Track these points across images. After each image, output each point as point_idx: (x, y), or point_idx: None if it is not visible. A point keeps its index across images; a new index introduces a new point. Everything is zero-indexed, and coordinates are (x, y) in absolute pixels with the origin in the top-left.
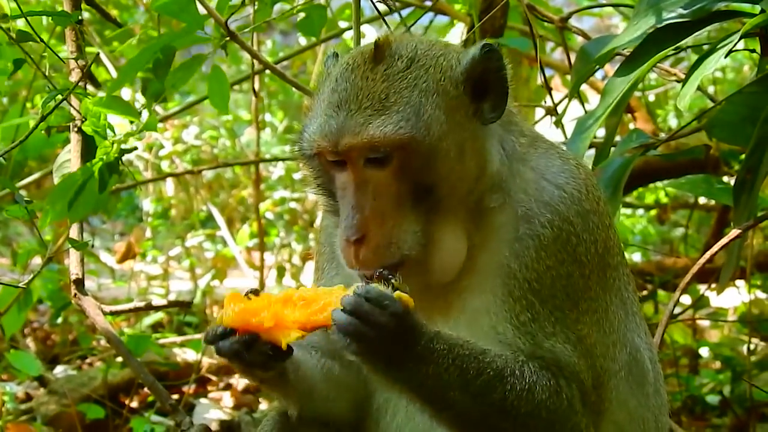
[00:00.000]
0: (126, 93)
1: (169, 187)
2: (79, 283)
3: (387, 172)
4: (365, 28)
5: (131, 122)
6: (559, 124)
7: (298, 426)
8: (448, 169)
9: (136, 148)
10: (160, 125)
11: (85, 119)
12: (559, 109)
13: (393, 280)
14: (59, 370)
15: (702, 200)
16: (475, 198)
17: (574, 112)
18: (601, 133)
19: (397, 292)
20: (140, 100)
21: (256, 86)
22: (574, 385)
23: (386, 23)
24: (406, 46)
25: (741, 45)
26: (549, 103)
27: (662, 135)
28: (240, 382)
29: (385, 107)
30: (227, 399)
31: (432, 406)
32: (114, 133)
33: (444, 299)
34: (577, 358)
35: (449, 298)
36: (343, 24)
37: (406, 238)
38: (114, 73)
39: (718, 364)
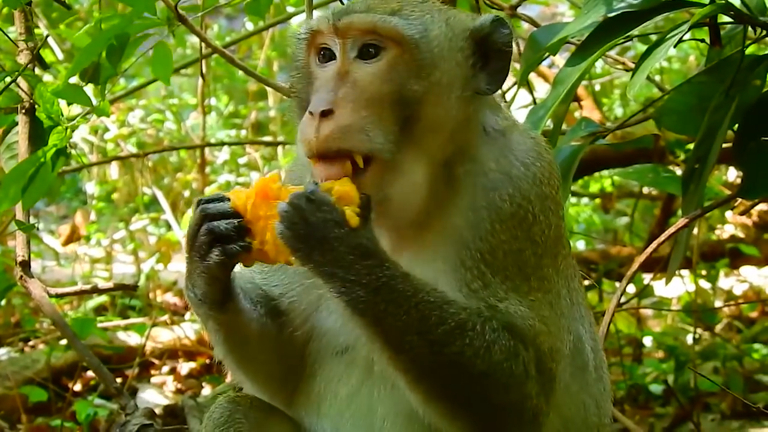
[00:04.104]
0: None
1: (113, 170)
2: (25, 265)
3: (375, 67)
4: (315, 14)
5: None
6: (508, 111)
7: (249, 411)
8: (435, 94)
9: (76, 127)
10: None
11: (35, 102)
12: (507, 96)
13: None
14: (2, 352)
15: (646, 190)
16: (448, 159)
17: (519, 99)
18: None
19: (350, 209)
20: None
21: (203, 70)
22: (531, 349)
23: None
24: None
25: (689, 35)
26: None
27: (609, 124)
28: (184, 366)
29: (395, 12)
30: (170, 383)
31: (389, 347)
32: (66, 120)
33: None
34: (533, 321)
35: (399, 261)
36: (290, 9)
37: (379, 133)
38: (60, 55)
39: (661, 354)
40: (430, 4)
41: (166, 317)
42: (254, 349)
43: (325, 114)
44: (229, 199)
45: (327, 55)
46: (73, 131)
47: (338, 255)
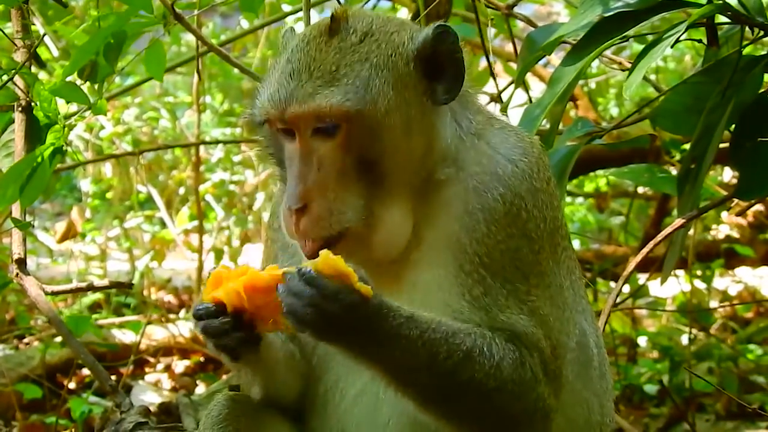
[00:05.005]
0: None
1: (108, 168)
2: (21, 262)
3: (333, 144)
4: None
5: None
6: (504, 111)
7: (247, 409)
8: (394, 145)
9: (74, 126)
10: None
11: (31, 100)
12: (503, 95)
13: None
14: None
15: (641, 189)
16: (425, 173)
17: (515, 98)
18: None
19: (359, 283)
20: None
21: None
22: (535, 354)
23: (340, 4)
24: (362, 20)
25: (685, 35)
26: (493, 89)
27: (604, 123)
28: (178, 364)
29: (334, 79)
30: (165, 381)
31: (398, 384)
32: (63, 118)
33: (394, 274)
34: (533, 327)
35: (399, 272)
36: (286, 8)
37: (347, 210)
38: (56, 53)
39: (656, 354)
40: (367, 43)
41: (160, 315)
42: (281, 372)
43: (301, 210)
44: (222, 307)
45: (290, 132)
46: (70, 130)
47: (359, 329)
